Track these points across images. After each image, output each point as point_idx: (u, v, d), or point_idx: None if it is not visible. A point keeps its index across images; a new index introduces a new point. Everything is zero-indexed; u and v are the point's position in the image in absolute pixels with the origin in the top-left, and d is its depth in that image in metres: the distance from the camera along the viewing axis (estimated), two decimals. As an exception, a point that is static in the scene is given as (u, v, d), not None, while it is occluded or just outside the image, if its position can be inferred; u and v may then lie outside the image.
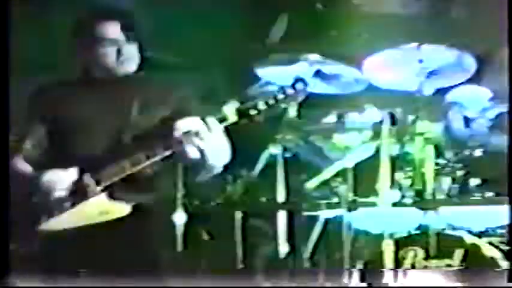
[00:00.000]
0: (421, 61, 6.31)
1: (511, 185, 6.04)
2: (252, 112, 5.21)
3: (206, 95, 5.92)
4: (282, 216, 6.70)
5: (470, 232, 6.40)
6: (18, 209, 5.47)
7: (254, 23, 8.32)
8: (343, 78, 6.69)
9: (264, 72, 6.70)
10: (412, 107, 6.42)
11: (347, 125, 6.41)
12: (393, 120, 6.17)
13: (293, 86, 5.24)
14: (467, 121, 6.60)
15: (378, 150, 6.17)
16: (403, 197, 6.17)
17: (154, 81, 5.49)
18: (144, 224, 5.33)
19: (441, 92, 6.63)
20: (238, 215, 7.27)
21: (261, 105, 5.22)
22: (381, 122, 6.13)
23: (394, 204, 6.16)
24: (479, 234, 6.49)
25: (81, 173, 5.23)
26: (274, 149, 6.61)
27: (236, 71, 7.69)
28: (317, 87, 6.60)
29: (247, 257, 7.49)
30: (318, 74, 6.70)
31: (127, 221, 5.36)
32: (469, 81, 6.65)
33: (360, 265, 6.29)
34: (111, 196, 5.24)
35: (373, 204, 6.06)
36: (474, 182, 6.31)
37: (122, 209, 5.29)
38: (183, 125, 5.19)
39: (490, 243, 6.28)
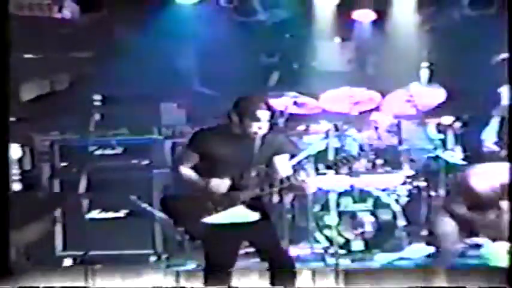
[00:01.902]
0: (351, 96, 9.11)
1: (511, 186, 6.76)
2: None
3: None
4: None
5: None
6: (184, 204, 6.68)
7: (258, 75, 9.85)
8: (309, 105, 9.33)
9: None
10: (346, 121, 9.20)
11: (311, 131, 9.36)
12: (336, 128, 9.17)
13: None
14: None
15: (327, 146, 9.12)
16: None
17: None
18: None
19: (364, 113, 9.26)
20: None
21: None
22: (329, 130, 9.15)
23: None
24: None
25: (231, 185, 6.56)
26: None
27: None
28: (294, 110, 9.23)
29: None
30: (295, 103, 9.21)
31: (255, 225, 6.70)
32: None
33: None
34: (248, 207, 6.63)
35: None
36: (380, 162, 9.12)
37: (254, 215, 6.64)
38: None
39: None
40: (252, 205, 6.65)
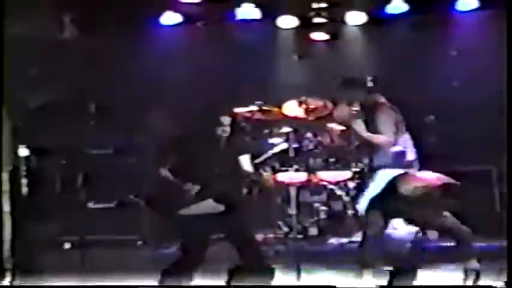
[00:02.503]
0: (308, 105, 9.18)
1: (511, 186, 6.49)
2: None
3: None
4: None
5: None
6: (165, 198, 6.84)
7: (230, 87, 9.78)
8: (272, 112, 9.39)
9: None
10: (304, 125, 9.44)
11: (274, 134, 9.46)
12: (295, 131, 9.36)
13: None
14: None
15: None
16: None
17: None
18: None
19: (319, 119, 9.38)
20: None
21: None
22: (289, 133, 9.32)
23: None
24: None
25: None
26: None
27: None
28: (260, 116, 9.31)
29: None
30: (260, 110, 9.25)
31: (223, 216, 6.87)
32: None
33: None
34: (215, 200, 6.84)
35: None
36: (332, 160, 9.34)
37: (220, 207, 6.85)
38: None
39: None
40: (219, 198, 7.09)
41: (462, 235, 7.21)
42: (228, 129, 7.03)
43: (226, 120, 7.03)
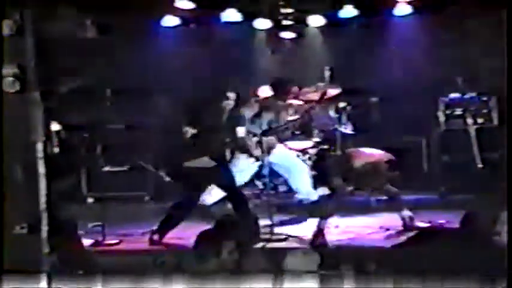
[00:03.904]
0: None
1: (510, 186, 5.17)
2: None
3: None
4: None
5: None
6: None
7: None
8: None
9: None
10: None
11: None
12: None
13: None
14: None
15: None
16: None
17: None
18: None
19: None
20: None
21: None
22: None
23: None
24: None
25: None
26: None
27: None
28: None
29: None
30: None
31: (216, 170, 7.09)
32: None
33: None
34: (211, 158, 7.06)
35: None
36: (298, 132, 9.12)
37: (213, 163, 7.07)
38: None
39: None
40: (214, 157, 7.10)
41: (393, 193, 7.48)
42: (232, 102, 7.09)
43: (232, 95, 7.18)
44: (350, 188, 7.65)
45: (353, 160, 7.31)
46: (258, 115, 8.17)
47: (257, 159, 7.57)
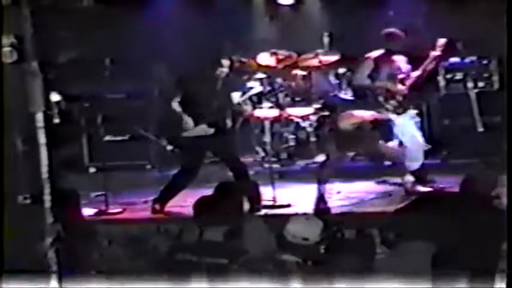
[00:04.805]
0: (277, 55, 9.27)
1: (510, 183, 5.02)
2: None
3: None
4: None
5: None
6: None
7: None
8: (249, 62, 9.43)
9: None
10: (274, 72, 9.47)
11: (252, 79, 9.33)
12: (268, 77, 9.32)
13: None
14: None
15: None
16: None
17: None
18: None
19: (286, 67, 9.48)
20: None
21: None
22: (263, 78, 9.29)
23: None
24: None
25: None
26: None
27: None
28: (240, 66, 9.01)
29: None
30: (240, 61, 9.02)
31: (214, 138, 7.10)
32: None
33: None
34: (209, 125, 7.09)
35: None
36: (298, 99, 9.39)
37: (211, 130, 7.16)
38: None
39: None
40: (212, 123, 7.08)
41: (395, 157, 7.44)
42: (226, 70, 7.05)
43: (226, 62, 7.07)
44: (345, 154, 7.67)
45: (341, 122, 7.32)
46: None
47: None
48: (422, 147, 7.36)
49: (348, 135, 7.15)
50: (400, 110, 7.39)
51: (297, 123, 9.36)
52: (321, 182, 6.97)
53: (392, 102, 7.49)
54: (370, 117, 7.21)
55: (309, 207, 6.89)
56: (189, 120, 7.13)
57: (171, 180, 7.42)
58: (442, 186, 7.48)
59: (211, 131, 7.18)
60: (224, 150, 7.34)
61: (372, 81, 7.48)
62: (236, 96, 7.49)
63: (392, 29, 7.62)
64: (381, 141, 7.33)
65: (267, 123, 8.84)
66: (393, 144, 7.46)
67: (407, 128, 7.31)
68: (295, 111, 9.30)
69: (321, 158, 8.41)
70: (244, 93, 8.43)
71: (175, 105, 7.20)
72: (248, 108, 8.07)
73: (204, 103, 7.20)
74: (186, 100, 7.19)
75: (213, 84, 7.16)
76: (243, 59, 9.31)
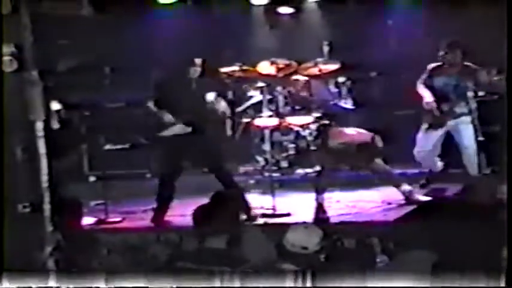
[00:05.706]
0: (277, 64, 9.23)
1: (510, 181, 5.01)
2: None
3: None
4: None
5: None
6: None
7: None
8: (250, 71, 9.29)
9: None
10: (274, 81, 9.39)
11: (251, 88, 9.35)
12: (268, 85, 9.20)
13: None
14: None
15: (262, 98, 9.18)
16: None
17: None
18: None
19: (286, 75, 9.40)
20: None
21: None
22: (263, 87, 9.16)
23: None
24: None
25: None
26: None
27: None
28: (240, 74, 9.21)
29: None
30: (241, 69, 9.16)
31: (192, 137, 7.03)
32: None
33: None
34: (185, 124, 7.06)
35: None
36: (298, 107, 9.31)
37: (188, 129, 7.08)
38: None
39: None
40: (187, 123, 7.05)
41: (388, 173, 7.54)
42: (199, 69, 6.98)
43: (198, 60, 7.02)
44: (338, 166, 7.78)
45: (331, 139, 7.57)
46: None
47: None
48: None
49: (337, 152, 7.34)
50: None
51: (297, 132, 9.29)
52: (318, 191, 7.00)
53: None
54: (359, 137, 7.35)
55: (308, 216, 6.86)
56: (168, 116, 7.02)
57: (157, 196, 7.37)
58: (442, 195, 7.57)
59: (189, 129, 7.09)
60: (206, 158, 7.26)
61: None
62: (211, 96, 7.42)
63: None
64: (377, 160, 7.46)
65: (266, 132, 8.83)
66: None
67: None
68: (295, 120, 9.23)
69: (318, 167, 8.45)
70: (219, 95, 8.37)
71: (151, 104, 7.21)
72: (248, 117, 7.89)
73: (180, 103, 7.21)
74: (163, 100, 7.20)
75: (188, 84, 7.17)
76: (245, 67, 9.32)
